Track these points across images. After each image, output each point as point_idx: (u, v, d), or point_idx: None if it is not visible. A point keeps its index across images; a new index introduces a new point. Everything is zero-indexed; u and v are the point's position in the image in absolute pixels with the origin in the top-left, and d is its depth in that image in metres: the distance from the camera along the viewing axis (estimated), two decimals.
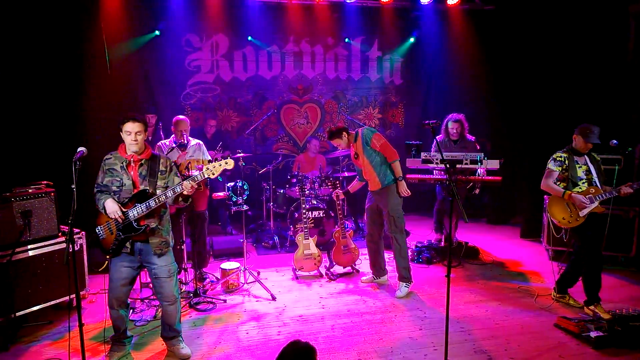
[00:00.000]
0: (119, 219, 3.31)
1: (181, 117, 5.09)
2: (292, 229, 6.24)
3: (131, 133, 3.33)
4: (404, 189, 4.78)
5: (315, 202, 6.19)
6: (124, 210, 3.33)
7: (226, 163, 3.31)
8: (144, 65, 7.15)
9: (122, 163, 3.41)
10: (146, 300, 4.60)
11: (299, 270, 5.36)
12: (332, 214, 6.16)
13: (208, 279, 5.16)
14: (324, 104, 8.30)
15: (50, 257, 4.31)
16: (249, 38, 7.60)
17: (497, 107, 7.66)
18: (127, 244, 3.41)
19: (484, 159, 5.40)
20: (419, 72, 8.47)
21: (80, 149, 3.11)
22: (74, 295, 2.96)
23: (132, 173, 3.41)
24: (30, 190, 4.30)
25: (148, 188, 3.38)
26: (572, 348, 3.76)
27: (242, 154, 5.66)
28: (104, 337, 3.75)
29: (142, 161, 3.43)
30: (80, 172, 2.98)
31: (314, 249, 5.33)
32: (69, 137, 5.51)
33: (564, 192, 4.30)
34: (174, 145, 4.92)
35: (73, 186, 2.92)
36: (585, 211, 4.28)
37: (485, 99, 7.77)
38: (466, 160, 5.46)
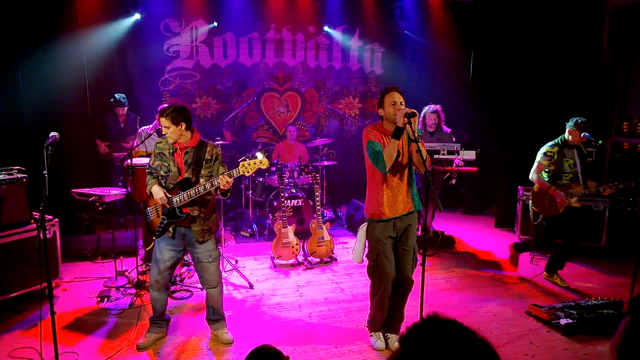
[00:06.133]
0: (165, 205, 3.41)
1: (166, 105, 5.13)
2: (270, 217, 6.23)
3: (163, 127, 3.40)
4: None
5: (294, 191, 6.19)
6: (169, 196, 3.41)
7: (261, 162, 3.33)
8: (122, 49, 6.99)
9: (170, 149, 3.49)
10: (121, 289, 4.55)
11: (277, 258, 5.36)
12: (311, 203, 6.17)
13: (185, 267, 5.12)
14: (305, 92, 8.26)
15: (22, 244, 4.21)
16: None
17: (475, 99, 7.74)
18: (170, 229, 3.50)
19: (461, 149, 5.48)
20: (399, 62, 8.48)
21: (52, 134, 3.04)
22: (45, 284, 2.90)
23: (178, 160, 3.48)
24: (0, 176, 4.19)
25: (191, 177, 3.43)
26: (542, 335, 3.88)
27: (220, 142, 5.63)
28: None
29: (189, 149, 3.48)
30: (53, 158, 2.92)
31: (292, 238, 5.34)
32: (41, 121, 5.37)
33: (549, 186, 4.59)
34: (151, 132, 5.08)
35: (45, 172, 2.85)
36: (564, 205, 4.57)
37: (464, 91, 7.85)
38: (443, 150, 5.52)
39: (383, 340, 3.68)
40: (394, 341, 3.63)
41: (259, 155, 3.36)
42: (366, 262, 3.63)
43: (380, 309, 3.58)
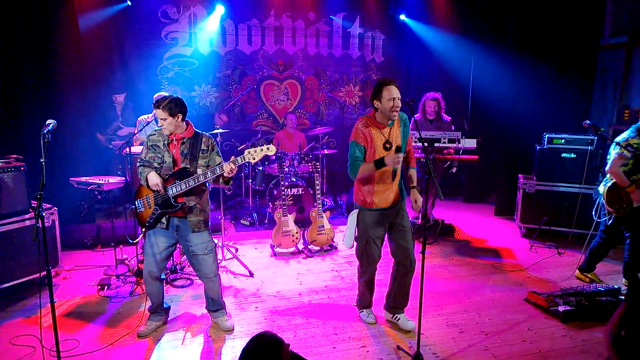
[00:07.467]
0: (160, 191, 3.37)
1: (163, 93, 5.05)
2: (270, 206, 6.23)
3: (159, 119, 3.35)
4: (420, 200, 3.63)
5: (294, 180, 6.17)
6: (165, 185, 3.38)
7: (268, 149, 3.32)
8: (119, 36, 6.94)
9: (165, 141, 3.45)
10: (122, 277, 4.56)
11: (277, 247, 5.37)
12: (311, 192, 6.16)
13: (185, 256, 5.13)
14: (305, 80, 8.20)
15: (21, 233, 4.22)
16: (221, 9, 7.34)
17: (476, 87, 7.69)
18: (163, 220, 3.47)
19: (462, 137, 5.46)
20: (400, 50, 8.42)
21: (49, 121, 3.02)
22: (45, 272, 2.91)
23: (173, 151, 3.45)
24: None
25: (188, 166, 3.40)
26: (540, 321, 3.89)
27: (220, 130, 5.60)
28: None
29: (184, 139, 3.45)
30: (51, 146, 2.90)
31: (292, 226, 5.34)
32: (38, 110, 5.33)
33: (628, 185, 4.12)
34: (150, 120, 5.01)
35: (42, 160, 2.83)
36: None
37: (465, 79, 7.79)
38: (444, 139, 5.50)
39: (373, 315, 3.91)
40: (405, 320, 3.75)
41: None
42: (356, 245, 3.76)
43: (368, 288, 3.85)
